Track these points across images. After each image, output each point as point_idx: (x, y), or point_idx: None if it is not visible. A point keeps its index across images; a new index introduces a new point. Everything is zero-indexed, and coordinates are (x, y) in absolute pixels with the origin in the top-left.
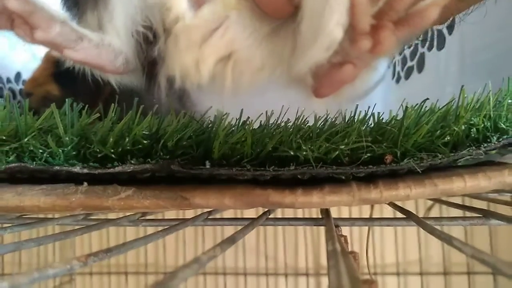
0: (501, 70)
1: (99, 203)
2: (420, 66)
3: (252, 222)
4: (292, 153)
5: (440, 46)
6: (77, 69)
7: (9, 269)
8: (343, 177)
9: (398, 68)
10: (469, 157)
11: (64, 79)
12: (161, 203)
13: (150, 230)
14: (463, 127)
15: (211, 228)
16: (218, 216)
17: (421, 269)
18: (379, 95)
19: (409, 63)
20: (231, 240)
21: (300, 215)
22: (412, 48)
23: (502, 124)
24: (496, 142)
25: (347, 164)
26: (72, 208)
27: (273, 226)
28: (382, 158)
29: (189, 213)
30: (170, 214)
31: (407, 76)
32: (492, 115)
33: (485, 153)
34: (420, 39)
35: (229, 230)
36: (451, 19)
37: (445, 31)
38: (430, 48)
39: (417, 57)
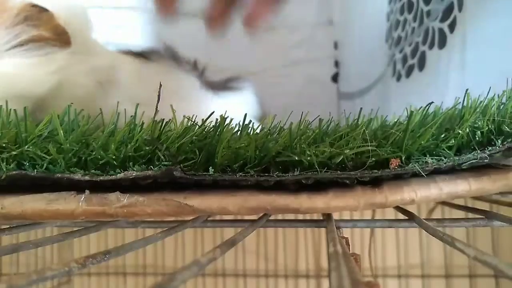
0: (505, 70)
1: (102, 211)
2: (421, 65)
3: (252, 224)
4: (296, 158)
5: (441, 45)
6: None
7: (7, 270)
8: (348, 182)
9: (398, 66)
10: (474, 160)
11: None
12: (164, 210)
13: (149, 231)
14: (467, 130)
15: (211, 229)
16: (217, 218)
17: (423, 271)
18: (379, 92)
19: (410, 61)
20: (231, 242)
21: (300, 217)
22: (412, 46)
23: (506, 127)
24: (500, 145)
25: (352, 168)
26: (75, 217)
27: (274, 228)
28: (387, 162)
29: None
30: None
31: (408, 74)
32: (496, 118)
33: (490, 156)
34: (421, 37)
35: (229, 232)
36: (452, 17)
37: (446, 29)
38: (431, 47)
39: (418, 55)
